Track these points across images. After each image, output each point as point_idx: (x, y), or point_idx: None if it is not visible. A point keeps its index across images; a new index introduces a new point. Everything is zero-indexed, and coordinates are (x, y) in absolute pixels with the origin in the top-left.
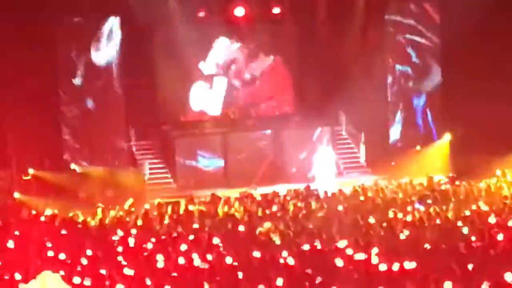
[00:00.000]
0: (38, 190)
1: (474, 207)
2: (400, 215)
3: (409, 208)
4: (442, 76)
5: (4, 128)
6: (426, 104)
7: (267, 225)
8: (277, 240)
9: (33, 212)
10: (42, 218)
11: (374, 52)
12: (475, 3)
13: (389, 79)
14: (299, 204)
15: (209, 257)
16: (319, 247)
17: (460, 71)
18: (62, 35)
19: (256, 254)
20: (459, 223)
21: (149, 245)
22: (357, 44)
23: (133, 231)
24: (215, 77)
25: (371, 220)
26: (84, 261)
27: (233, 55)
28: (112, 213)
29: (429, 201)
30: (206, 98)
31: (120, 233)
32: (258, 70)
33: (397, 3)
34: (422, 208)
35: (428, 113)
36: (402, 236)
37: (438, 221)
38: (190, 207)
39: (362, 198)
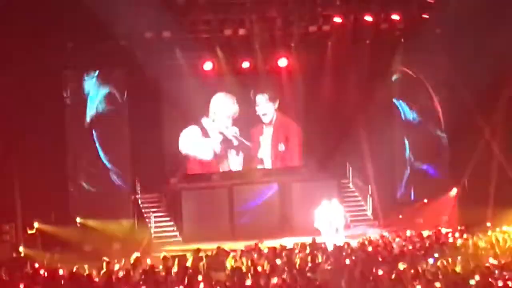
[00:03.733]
0: (43, 244)
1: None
2: (408, 269)
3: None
4: (448, 129)
5: (9, 182)
6: (433, 157)
7: None
8: None
9: (37, 265)
10: (47, 273)
11: (381, 104)
12: (481, 60)
13: (396, 131)
14: (305, 257)
15: None
16: None
17: (466, 122)
18: (71, 89)
19: None
20: (468, 277)
21: None
22: (364, 96)
23: (139, 285)
24: (219, 131)
25: (379, 273)
26: None
27: (234, 108)
28: (117, 266)
29: (436, 255)
30: (211, 151)
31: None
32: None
33: (403, 56)
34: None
35: (435, 165)
36: None
37: (446, 275)
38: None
39: (369, 250)
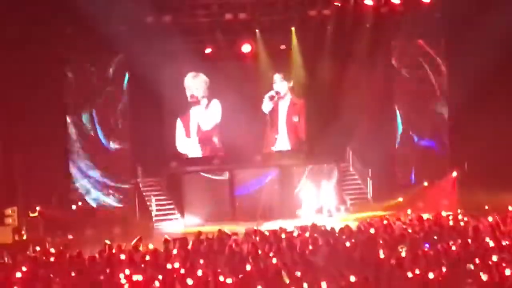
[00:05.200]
0: (45, 227)
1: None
2: (408, 252)
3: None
4: (449, 111)
5: (11, 165)
6: (433, 139)
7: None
8: (286, 279)
9: (38, 249)
10: (49, 255)
11: (381, 88)
12: (481, 44)
13: (396, 114)
14: (306, 240)
15: None
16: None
17: (467, 106)
18: (71, 74)
19: None
20: (468, 260)
21: (157, 283)
22: (364, 80)
23: (141, 268)
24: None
25: (380, 256)
26: None
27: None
28: (119, 249)
29: (436, 238)
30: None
31: (127, 270)
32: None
33: (403, 41)
34: (428, 246)
35: (436, 147)
36: (410, 273)
37: (446, 258)
38: (198, 244)
39: (370, 233)
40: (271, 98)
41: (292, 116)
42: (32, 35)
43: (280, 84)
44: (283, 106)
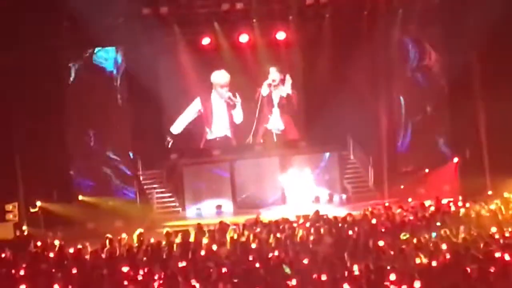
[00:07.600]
0: (46, 222)
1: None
2: (411, 239)
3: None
4: (449, 98)
5: (12, 161)
6: (434, 127)
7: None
8: (288, 270)
9: (39, 244)
10: (51, 250)
11: (380, 75)
12: (477, 26)
13: (397, 102)
14: (308, 229)
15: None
16: (329, 273)
17: (467, 93)
18: (69, 70)
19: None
20: (470, 246)
21: (158, 276)
22: (363, 67)
23: (142, 261)
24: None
25: (382, 244)
26: None
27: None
28: (121, 243)
29: (439, 224)
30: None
31: (129, 263)
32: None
33: (402, 25)
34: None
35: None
36: (414, 260)
37: (449, 244)
38: (199, 236)
39: (373, 221)
40: (269, 85)
41: (285, 105)
42: (27, 33)
43: (275, 75)
44: (277, 95)
